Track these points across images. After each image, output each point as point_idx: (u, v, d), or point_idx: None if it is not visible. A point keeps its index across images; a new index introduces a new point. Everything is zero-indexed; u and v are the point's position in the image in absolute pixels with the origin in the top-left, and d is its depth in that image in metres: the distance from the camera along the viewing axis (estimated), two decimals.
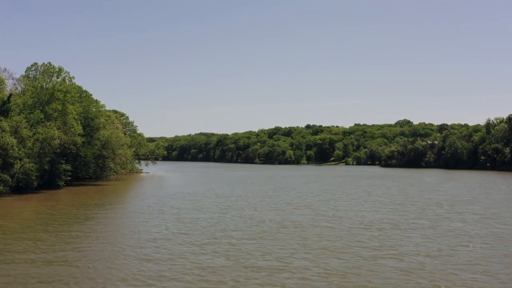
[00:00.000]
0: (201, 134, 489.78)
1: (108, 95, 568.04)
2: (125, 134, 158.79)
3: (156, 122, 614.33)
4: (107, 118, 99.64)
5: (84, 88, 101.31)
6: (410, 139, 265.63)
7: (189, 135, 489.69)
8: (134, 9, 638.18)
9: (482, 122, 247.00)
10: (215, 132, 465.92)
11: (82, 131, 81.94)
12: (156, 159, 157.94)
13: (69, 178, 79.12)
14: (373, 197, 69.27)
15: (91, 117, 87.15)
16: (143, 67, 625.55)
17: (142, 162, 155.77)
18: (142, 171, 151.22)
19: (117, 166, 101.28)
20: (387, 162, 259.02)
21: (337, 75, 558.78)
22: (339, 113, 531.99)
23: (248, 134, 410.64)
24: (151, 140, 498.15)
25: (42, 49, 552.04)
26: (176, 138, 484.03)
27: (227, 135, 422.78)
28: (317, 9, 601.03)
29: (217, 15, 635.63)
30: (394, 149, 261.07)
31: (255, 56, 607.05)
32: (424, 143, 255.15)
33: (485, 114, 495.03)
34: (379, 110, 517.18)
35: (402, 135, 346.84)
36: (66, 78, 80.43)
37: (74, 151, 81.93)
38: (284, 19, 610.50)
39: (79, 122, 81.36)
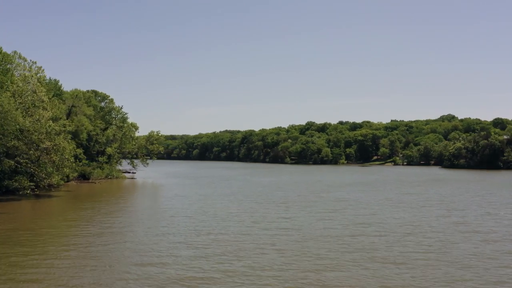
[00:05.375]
0: (226, 131, 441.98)
1: (129, 92, 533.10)
2: (110, 124, 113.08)
3: (179, 120, 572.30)
4: (18, 80, 52.09)
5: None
6: (482, 133, 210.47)
7: (214, 132, 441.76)
8: (156, 6, 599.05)
9: None
10: (241, 130, 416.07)
11: None
12: (150, 158, 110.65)
13: None
14: None
15: None
16: (165, 64, 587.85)
17: (140, 163, 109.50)
18: (126, 176, 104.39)
19: (43, 172, 54.07)
20: (452, 161, 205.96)
21: (366, 73, 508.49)
22: (371, 110, 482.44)
23: (277, 130, 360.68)
24: (172, 138, 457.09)
25: (57, 49, 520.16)
26: (199, 136, 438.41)
27: (254, 131, 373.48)
28: (347, 6, 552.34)
29: (247, 12, 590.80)
30: (461, 146, 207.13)
31: (283, 53, 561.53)
32: (501, 137, 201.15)
33: None
34: (415, 107, 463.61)
35: (456, 130, 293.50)
36: None
37: None
38: (314, 16, 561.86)
39: None
